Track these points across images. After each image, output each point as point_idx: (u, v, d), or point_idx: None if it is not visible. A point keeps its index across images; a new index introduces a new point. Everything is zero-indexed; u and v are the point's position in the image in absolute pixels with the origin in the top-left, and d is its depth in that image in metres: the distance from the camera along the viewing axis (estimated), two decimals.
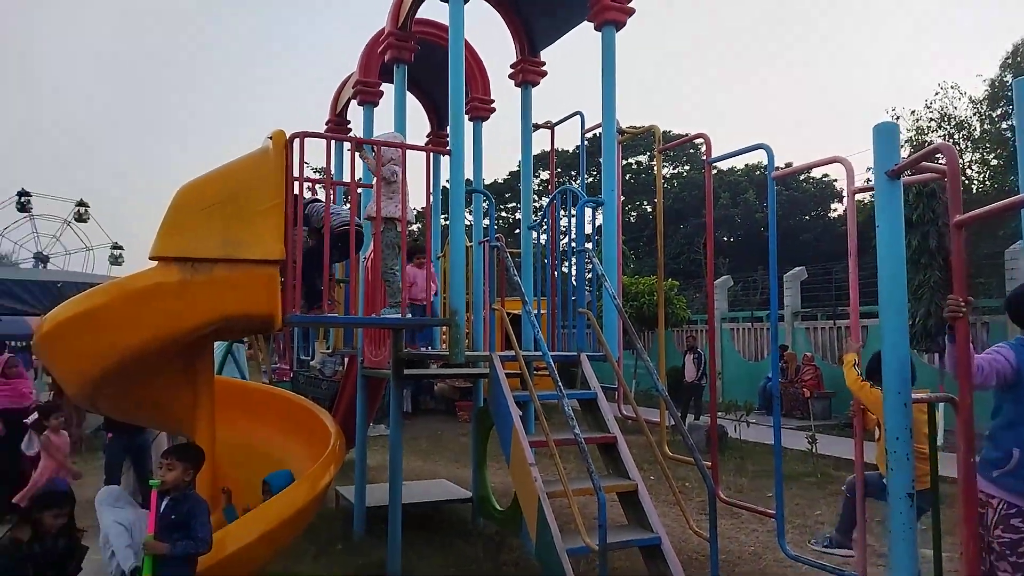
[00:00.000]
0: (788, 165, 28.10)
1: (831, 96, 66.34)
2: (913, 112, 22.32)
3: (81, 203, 32.27)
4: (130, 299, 4.21)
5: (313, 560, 5.62)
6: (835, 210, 34.28)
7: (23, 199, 31.18)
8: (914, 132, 21.84)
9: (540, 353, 4.64)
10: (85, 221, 32.52)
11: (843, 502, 4.68)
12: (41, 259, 30.82)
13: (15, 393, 7.05)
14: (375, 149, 5.19)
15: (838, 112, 66.80)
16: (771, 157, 4.61)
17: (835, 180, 33.78)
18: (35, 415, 6.96)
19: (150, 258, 4.37)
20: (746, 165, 34.96)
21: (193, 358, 4.78)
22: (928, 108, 22.13)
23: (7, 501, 6.79)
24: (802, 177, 34.49)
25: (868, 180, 14.32)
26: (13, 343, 12.62)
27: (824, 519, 7.14)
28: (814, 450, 9.30)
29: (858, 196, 4.18)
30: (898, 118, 22.09)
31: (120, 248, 34.21)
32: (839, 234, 27.92)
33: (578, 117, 6.80)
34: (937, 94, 22.86)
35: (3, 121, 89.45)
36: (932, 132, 21.74)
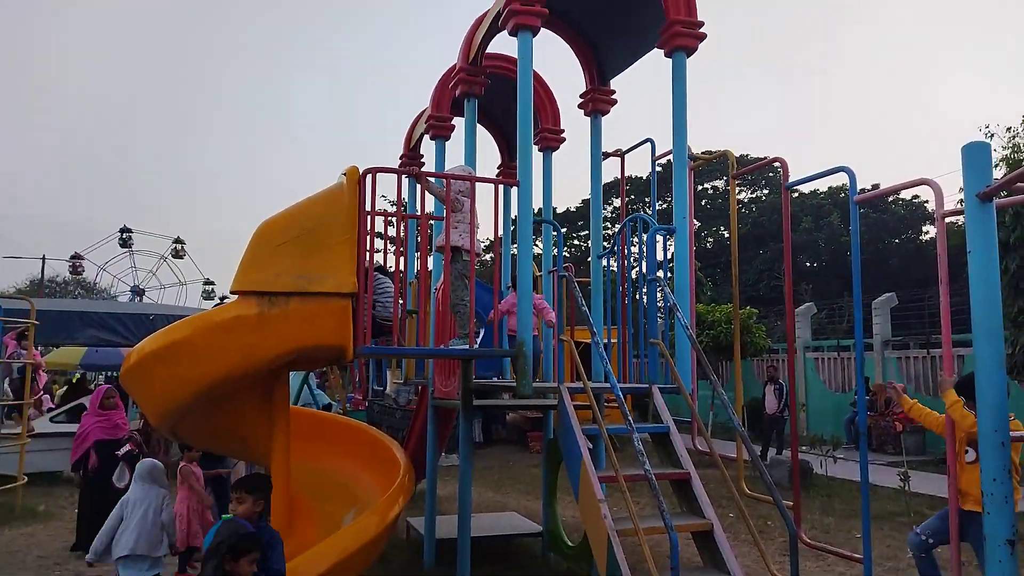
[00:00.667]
0: (874, 187, 27.02)
1: (921, 115, 63.77)
2: (1009, 129, 21.12)
3: (178, 240, 33.97)
4: (211, 332, 4.38)
5: None
6: (927, 233, 32.65)
7: (125, 235, 33.17)
8: (1010, 150, 20.64)
9: (610, 385, 4.55)
10: (181, 257, 34.16)
11: (918, 565, 4.31)
12: (137, 292, 32.58)
13: (109, 424, 7.31)
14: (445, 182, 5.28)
15: (930, 132, 64.10)
16: (853, 180, 4.42)
17: (926, 201, 32.22)
18: (127, 447, 7.25)
19: (230, 292, 4.55)
20: (829, 188, 33.82)
21: (270, 388, 4.91)
22: None
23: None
24: (891, 199, 33.08)
25: (960, 202, 13.61)
26: (108, 373, 13.32)
27: None
28: (907, 488, 8.74)
29: (951, 219, 3.94)
30: (992, 135, 20.96)
31: (212, 283, 35.82)
32: (931, 258, 26.52)
33: (649, 144, 6.73)
34: None
35: (108, 165, 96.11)
36: None
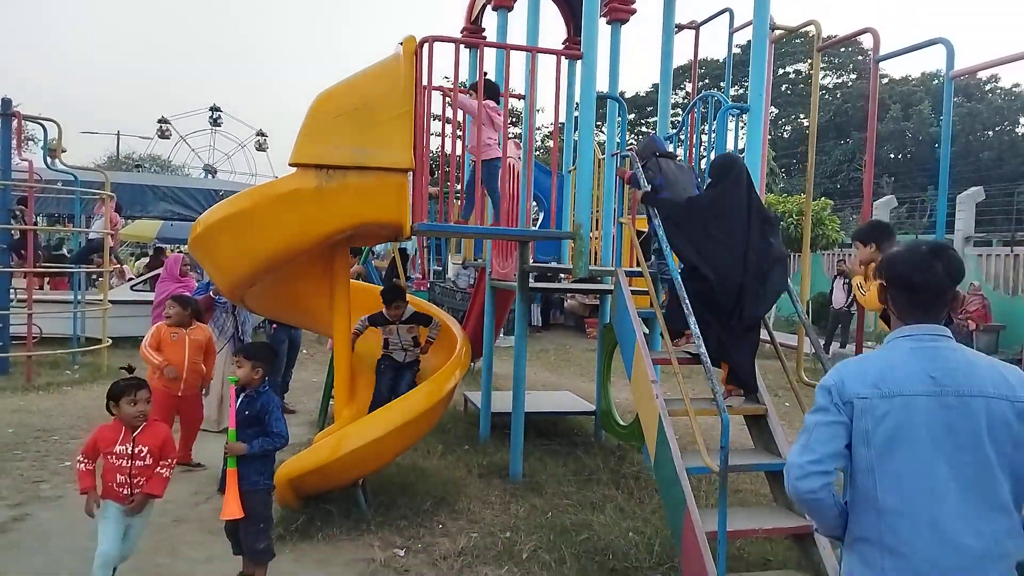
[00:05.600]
0: None
1: None
2: None
3: (261, 133, 33.98)
4: (272, 203, 4.41)
5: (440, 457, 5.91)
6: None
7: (214, 114, 33.38)
8: None
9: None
10: (263, 150, 34.24)
11: None
12: (210, 171, 33.33)
13: (188, 291, 7.68)
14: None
15: None
16: (950, 54, 4.00)
17: None
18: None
19: (289, 164, 4.54)
20: (923, 73, 31.45)
21: (330, 262, 4.99)
22: None
23: None
24: (988, 87, 30.59)
25: None
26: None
27: None
28: None
29: None
30: None
31: None
32: None
33: (726, 16, 6.23)
34: None
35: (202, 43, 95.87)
36: None
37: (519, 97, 5.94)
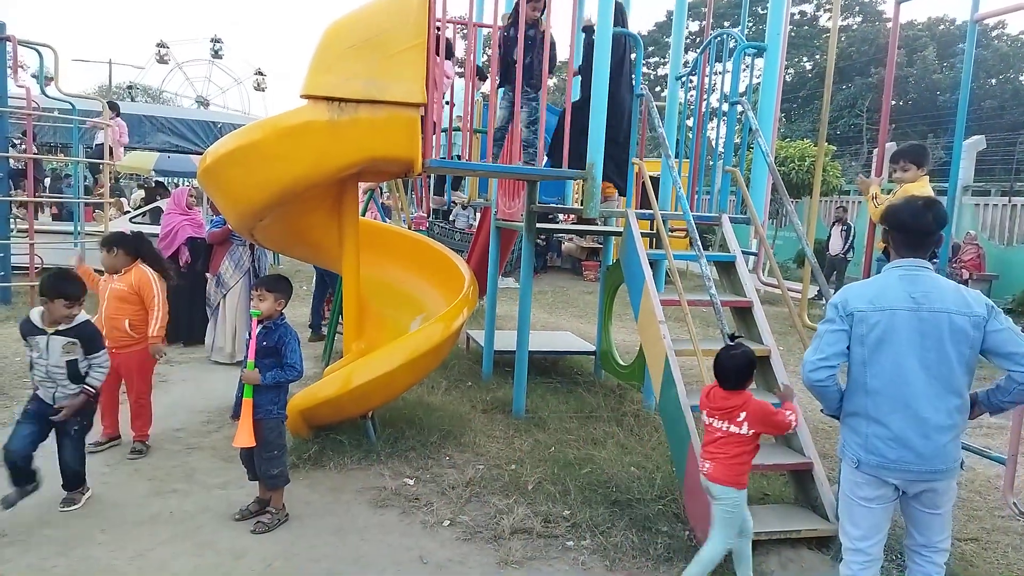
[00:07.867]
0: None
1: None
2: None
3: (259, 72, 32.86)
4: (282, 135, 4.33)
5: (445, 392, 6.02)
6: None
7: (216, 45, 32.23)
8: None
9: (677, 213, 4.47)
10: (262, 90, 33.13)
11: None
12: (202, 102, 32.54)
13: (195, 223, 7.60)
14: None
15: None
16: None
17: None
18: None
19: (300, 96, 4.46)
20: (929, 18, 30.85)
21: (340, 198, 4.97)
22: None
23: (196, 323, 7.47)
24: (995, 33, 30.07)
25: None
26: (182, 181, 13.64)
27: None
28: None
29: None
30: None
31: None
32: None
33: None
34: None
35: None
36: None
37: None
